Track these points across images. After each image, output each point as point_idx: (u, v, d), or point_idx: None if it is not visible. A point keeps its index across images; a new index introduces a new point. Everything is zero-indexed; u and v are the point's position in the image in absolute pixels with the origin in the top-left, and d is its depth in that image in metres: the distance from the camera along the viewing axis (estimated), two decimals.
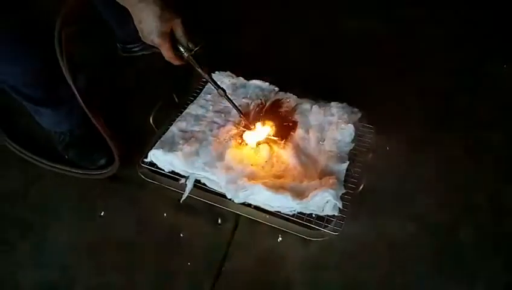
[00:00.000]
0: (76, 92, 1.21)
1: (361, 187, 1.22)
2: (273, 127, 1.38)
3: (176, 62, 1.19)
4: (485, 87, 1.71)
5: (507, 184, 1.40)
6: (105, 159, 1.45)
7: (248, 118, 1.39)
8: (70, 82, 1.18)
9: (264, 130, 1.37)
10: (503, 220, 1.33)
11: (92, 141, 1.47)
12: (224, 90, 1.27)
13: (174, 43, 1.15)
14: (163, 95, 1.47)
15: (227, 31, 1.95)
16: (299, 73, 1.73)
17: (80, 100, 1.22)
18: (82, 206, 1.39)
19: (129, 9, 1.08)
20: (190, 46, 1.17)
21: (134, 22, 1.10)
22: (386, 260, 1.25)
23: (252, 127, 1.37)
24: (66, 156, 1.49)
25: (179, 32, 1.15)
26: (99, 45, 1.88)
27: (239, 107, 1.35)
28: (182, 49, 1.17)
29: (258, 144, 1.35)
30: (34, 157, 1.48)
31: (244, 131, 1.37)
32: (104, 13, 1.69)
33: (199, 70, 1.22)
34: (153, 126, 1.39)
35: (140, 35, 1.12)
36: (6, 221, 1.37)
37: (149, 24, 1.08)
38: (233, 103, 1.31)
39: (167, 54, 1.15)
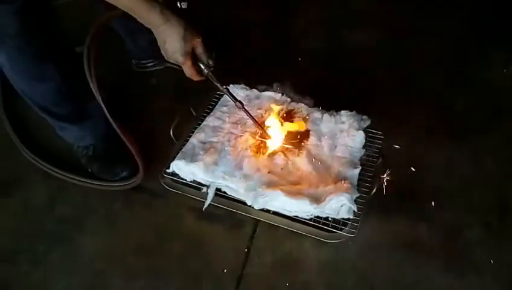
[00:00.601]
0: (104, 107, 1.27)
1: (374, 190, 1.29)
2: (287, 136, 1.45)
3: (197, 78, 1.25)
4: (483, 91, 1.78)
5: (509, 183, 1.47)
6: (127, 171, 1.51)
7: (263, 128, 1.46)
8: (99, 98, 1.24)
9: (279, 139, 1.44)
10: (507, 218, 1.39)
11: (114, 154, 1.54)
12: (242, 103, 1.34)
13: (194, 60, 1.22)
14: (181, 108, 1.55)
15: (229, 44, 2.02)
16: (308, 84, 1.80)
17: (108, 115, 1.29)
18: (107, 217, 1.46)
19: (153, 31, 1.13)
20: (210, 62, 1.24)
21: (158, 43, 1.16)
22: (398, 259, 1.32)
23: (267, 137, 1.44)
24: (90, 169, 1.56)
25: (199, 50, 1.21)
26: (114, 61, 1.94)
27: (255, 119, 1.42)
28: (202, 66, 1.24)
29: (274, 153, 1.42)
30: (57, 171, 1.54)
31: (260, 140, 1.44)
32: (120, 30, 1.76)
33: (218, 85, 1.29)
34: (173, 138, 1.46)
35: (164, 55, 1.18)
36: (34, 234, 1.43)
37: (174, 44, 1.14)
38: (250, 114, 1.38)
39: (189, 71, 1.22)
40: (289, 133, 1.47)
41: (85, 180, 1.51)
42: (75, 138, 1.54)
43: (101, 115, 1.30)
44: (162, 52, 1.18)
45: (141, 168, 1.42)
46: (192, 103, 1.57)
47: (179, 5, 1.25)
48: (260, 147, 1.44)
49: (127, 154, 1.42)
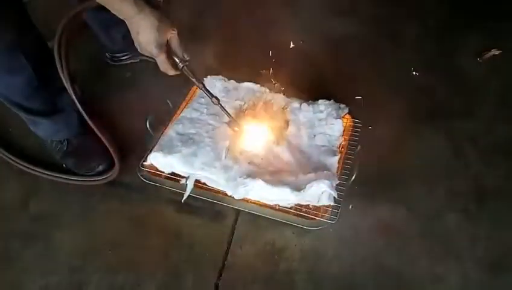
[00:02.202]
0: (76, 101, 1.24)
1: (353, 177, 1.29)
2: (266, 127, 1.44)
3: (171, 72, 1.21)
4: (461, 80, 1.81)
5: (486, 169, 1.50)
6: (103, 165, 1.48)
7: (241, 120, 1.45)
8: (70, 90, 1.21)
9: (258, 130, 1.43)
10: (485, 204, 1.41)
11: (89, 148, 1.50)
12: (218, 99, 1.32)
13: (169, 53, 1.18)
14: (157, 100, 1.52)
15: (208, 36, 2.01)
16: (287, 73, 1.80)
17: (80, 108, 1.26)
18: (84, 213, 1.42)
19: (126, 22, 1.10)
20: (185, 56, 1.21)
21: (132, 34, 1.12)
22: (380, 245, 1.33)
23: (246, 128, 1.43)
24: (64, 165, 1.52)
25: (175, 43, 1.18)
26: (87, 55, 1.91)
27: (231, 113, 1.40)
28: (177, 60, 1.20)
29: (253, 143, 1.41)
30: (32, 168, 1.50)
31: (238, 132, 1.43)
32: (92, 24, 1.73)
33: (193, 80, 1.26)
34: (150, 131, 1.43)
35: (137, 47, 1.15)
36: (9, 232, 1.39)
37: (147, 36, 1.10)
38: (226, 110, 1.36)
39: (164, 65, 1.18)
40: (268, 123, 1.46)
41: (61, 176, 1.48)
42: (48, 133, 1.50)
43: (74, 109, 1.27)
44: (136, 44, 1.15)
45: (117, 162, 1.40)
46: (169, 95, 1.55)
47: None
48: (239, 138, 1.42)
49: (102, 148, 1.40)
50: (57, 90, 1.25)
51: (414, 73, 1.83)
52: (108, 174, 1.44)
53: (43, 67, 1.29)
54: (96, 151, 1.47)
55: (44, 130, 1.49)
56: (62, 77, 1.18)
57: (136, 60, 1.86)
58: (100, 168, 1.48)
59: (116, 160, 1.40)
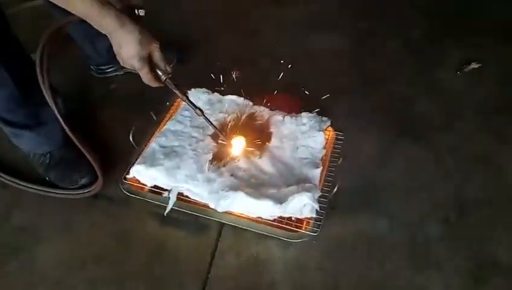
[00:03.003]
0: (57, 114, 1.24)
1: (335, 189, 1.30)
2: (250, 139, 1.45)
3: (154, 84, 1.22)
4: (440, 93, 1.84)
5: (467, 180, 1.52)
6: (86, 178, 1.48)
7: (225, 132, 1.46)
8: (52, 103, 1.21)
9: (241, 142, 1.44)
10: (465, 214, 1.44)
11: (72, 161, 1.49)
12: (201, 111, 1.32)
13: (151, 66, 1.18)
14: (141, 113, 1.53)
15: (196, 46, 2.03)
16: (270, 86, 1.82)
17: (62, 121, 1.26)
18: (67, 226, 1.41)
19: (108, 36, 1.10)
20: (167, 69, 1.22)
21: (114, 48, 1.12)
22: (362, 256, 1.34)
23: (229, 141, 1.43)
24: (47, 178, 1.51)
25: (157, 56, 1.18)
26: (72, 67, 1.91)
27: (215, 125, 1.41)
28: (159, 72, 1.21)
29: (236, 155, 1.42)
30: (14, 181, 1.49)
31: (222, 144, 1.44)
32: (76, 36, 1.73)
33: (176, 92, 1.26)
34: (133, 143, 1.44)
35: (120, 60, 1.15)
36: None
37: (129, 49, 1.11)
38: (210, 121, 1.37)
39: (146, 77, 1.18)
40: (251, 136, 1.47)
41: (43, 189, 1.47)
42: (31, 146, 1.49)
43: (57, 122, 1.27)
44: (118, 58, 1.15)
45: (100, 175, 1.40)
46: (152, 108, 1.55)
47: (136, 12, 1.23)
48: (222, 151, 1.43)
49: (85, 161, 1.39)
50: (40, 103, 1.24)
51: (397, 85, 1.86)
52: (92, 188, 1.44)
53: (26, 80, 1.28)
54: (79, 164, 1.47)
55: (27, 143, 1.48)
56: (43, 89, 1.18)
57: (120, 72, 1.87)
58: (83, 181, 1.48)
59: (99, 173, 1.39)
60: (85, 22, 1.07)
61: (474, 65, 1.90)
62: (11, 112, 1.36)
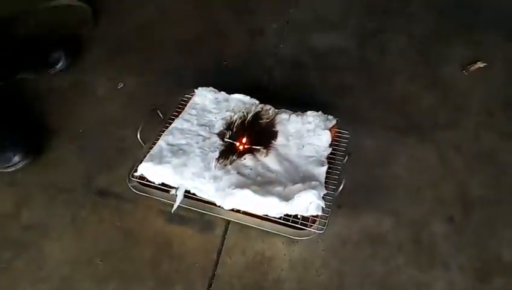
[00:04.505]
0: None
1: (341, 187, 1.31)
2: (256, 138, 1.47)
3: None
4: (445, 91, 1.84)
5: (472, 178, 1.53)
6: (19, 155, 1.52)
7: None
8: None
9: (247, 140, 1.46)
10: (470, 212, 1.44)
11: (2, 139, 1.54)
12: None
13: None
14: (147, 111, 1.54)
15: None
16: (276, 86, 1.83)
17: None
18: (74, 223, 1.43)
19: None
20: None
21: None
22: (367, 254, 1.34)
23: (235, 139, 1.45)
24: None
25: None
26: None
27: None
28: None
29: (243, 153, 1.43)
30: None
31: (228, 142, 1.45)
32: None
33: None
34: (140, 142, 1.45)
35: None
36: None
37: None
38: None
39: None
40: (257, 134, 1.48)
41: None
42: None
43: None
44: None
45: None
46: (159, 106, 1.57)
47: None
48: (228, 149, 1.44)
49: (17, 137, 1.46)
50: None
51: (402, 83, 1.87)
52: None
53: None
54: (11, 141, 1.52)
55: None
56: None
57: None
58: (17, 158, 1.51)
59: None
60: None
61: (480, 64, 1.90)
62: None
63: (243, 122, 1.52)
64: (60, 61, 1.86)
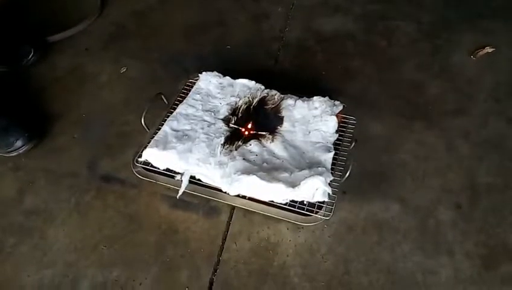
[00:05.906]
0: None
1: (347, 174, 1.30)
2: (262, 123, 1.45)
3: None
4: (454, 77, 1.82)
5: (478, 165, 1.52)
6: (21, 140, 1.54)
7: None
8: None
9: (253, 126, 1.44)
10: (477, 199, 1.43)
11: (5, 125, 1.55)
12: None
13: None
14: (152, 97, 1.53)
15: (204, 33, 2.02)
16: (281, 71, 1.81)
17: None
18: (78, 208, 1.43)
19: None
20: None
21: None
22: (373, 240, 1.34)
23: (241, 125, 1.44)
24: None
25: None
26: None
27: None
28: None
29: (248, 139, 1.41)
30: None
31: (234, 128, 1.44)
32: None
33: None
34: (145, 127, 1.43)
35: None
36: (3, 227, 1.39)
37: None
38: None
39: None
40: (263, 120, 1.47)
41: None
42: None
43: None
44: None
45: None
46: (163, 91, 1.55)
47: None
48: (234, 135, 1.43)
49: (18, 123, 1.49)
50: None
51: (409, 70, 1.85)
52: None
53: None
54: (12, 126, 1.54)
55: None
56: None
57: None
58: (18, 143, 1.53)
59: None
60: None
61: (488, 49, 1.88)
62: None
63: (248, 107, 1.51)
64: (30, 54, 1.87)
